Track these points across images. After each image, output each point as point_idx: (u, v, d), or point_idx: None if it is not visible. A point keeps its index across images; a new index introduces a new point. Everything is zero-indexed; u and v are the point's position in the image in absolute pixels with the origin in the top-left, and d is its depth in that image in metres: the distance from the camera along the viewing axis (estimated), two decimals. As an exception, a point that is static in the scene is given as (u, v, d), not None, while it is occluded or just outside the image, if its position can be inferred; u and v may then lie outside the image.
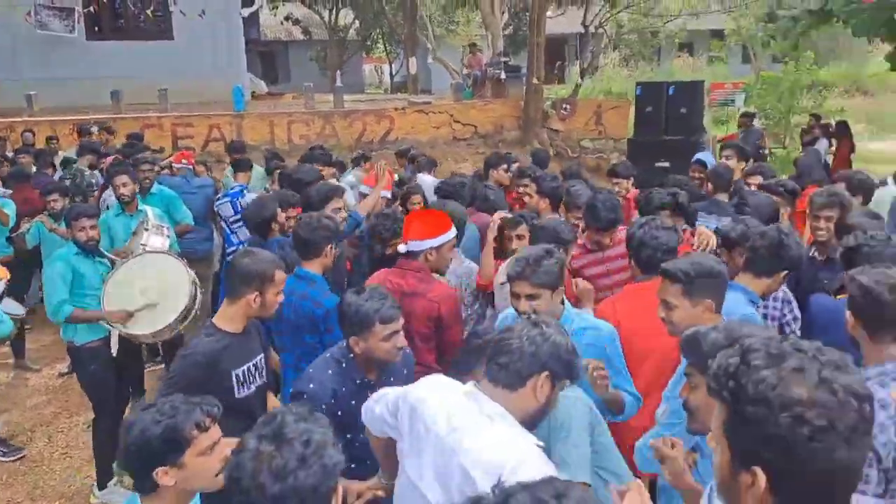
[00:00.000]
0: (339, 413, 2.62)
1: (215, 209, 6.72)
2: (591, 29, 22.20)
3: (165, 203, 6.15)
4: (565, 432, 2.29)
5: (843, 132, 12.52)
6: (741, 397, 1.17)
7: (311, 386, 2.68)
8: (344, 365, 2.74)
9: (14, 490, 4.83)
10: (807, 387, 1.13)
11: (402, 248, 3.57)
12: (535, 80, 14.78)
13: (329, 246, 3.64)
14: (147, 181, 6.21)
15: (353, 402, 2.61)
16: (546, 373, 2.04)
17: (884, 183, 6.42)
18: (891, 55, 10.86)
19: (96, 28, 16.77)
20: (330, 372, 2.72)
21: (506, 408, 2.01)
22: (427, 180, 7.16)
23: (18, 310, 5.15)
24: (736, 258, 3.66)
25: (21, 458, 5.19)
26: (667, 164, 9.38)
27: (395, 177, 7.41)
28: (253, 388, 3.01)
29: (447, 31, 27.72)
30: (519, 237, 4.25)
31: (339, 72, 18.92)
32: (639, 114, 11.67)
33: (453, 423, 2.00)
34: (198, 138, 13.23)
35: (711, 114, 17.95)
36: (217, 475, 1.87)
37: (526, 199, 5.43)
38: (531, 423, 2.06)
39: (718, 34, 27.09)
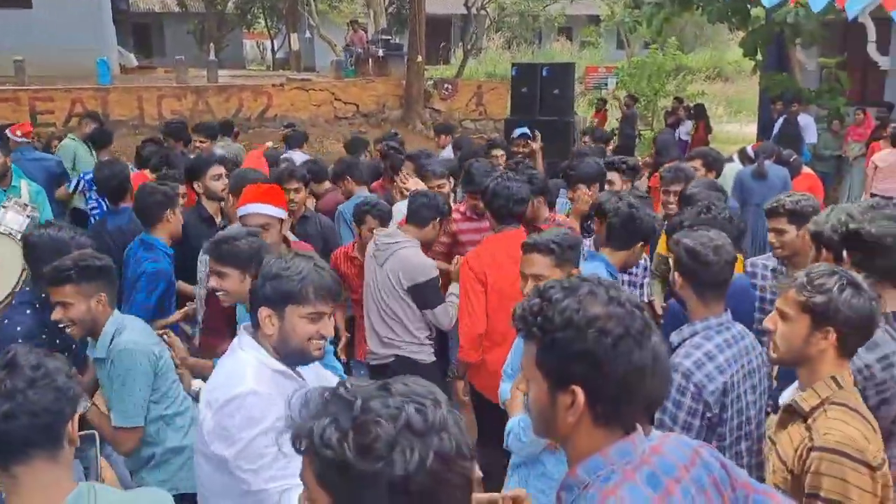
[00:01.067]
0: None
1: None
2: (474, 10, 22.52)
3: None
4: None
5: (700, 115, 13.38)
6: (549, 327, 1.32)
7: None
8: None
9: None
10: (601, 305, 1.32)
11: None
12: (417, 59, 14.86)
13: (168, 211, 3.65)
14: None
15: None
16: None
17: (730, 160, 6.96)
18: (743, 42, 11.71)
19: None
20: None
21: None
22: (296, 157, 7.08)
23: None
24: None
25: None
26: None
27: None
28: None
29: (330, 7, 27.24)
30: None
31: (212, 45, 18.24)
32: (515, 94, 11.95)
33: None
34: (59, 113, 12.46)
35: (587, 96, 18.70)
36: None
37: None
38: None
39: (595, 19, 28.09)
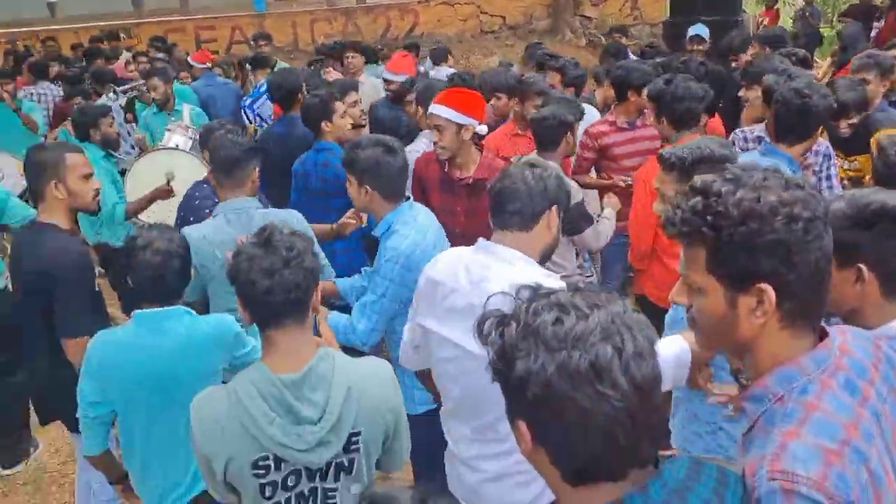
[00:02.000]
0: None
1: (254, 110, 6.58)
2: None
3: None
4: None
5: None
6: (725, 223, 1.17)
7: None
8: None
9: None
10: (781, 189, 1.18)
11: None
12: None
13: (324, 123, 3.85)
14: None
15: None
16: (555, 206, 2.12)
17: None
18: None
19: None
20: None
21: (522, 251, 2.06)
22: (443, 72, 6.95)
23: None
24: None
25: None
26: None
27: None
28: None
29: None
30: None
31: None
32: (674, -6, 11.07)
33: (473, 278, 2.05)
34: (221, 41, 13.05)
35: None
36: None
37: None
38: (545, 258, 2.17)
39: None
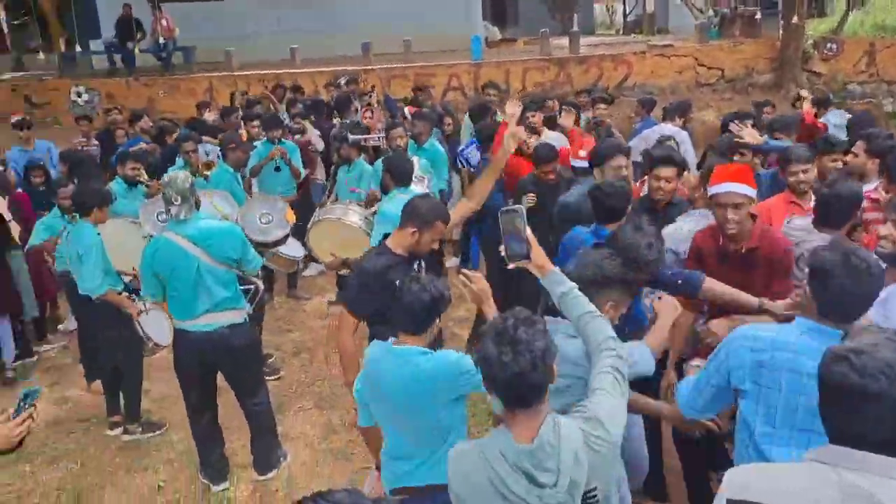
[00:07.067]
0: None
1: (464, 155, 6.85)
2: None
3: (430, 157, 6.46)
4: None
5: None
6: None
7: None
8: None
9: (305, 399, 5.50)
10: None
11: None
12: (794, 17, 13.29)
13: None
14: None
15: None
16: None
17: None
18: None
19: (349, -19, 17.79)
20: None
21: None
22: (667, 129, 6.75)
23: (298, 252, 5.73)
24: None
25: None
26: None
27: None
28: None
29: (689, -36, 25.74)
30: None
31: (574, 15, 18.44)
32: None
33: None
34: (437, 88, 13.67)
35: None
36: None
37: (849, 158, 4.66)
38: None
39: None
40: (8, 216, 5.89)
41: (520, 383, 1.88)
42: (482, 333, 1.98)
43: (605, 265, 2.65)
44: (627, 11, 31.48)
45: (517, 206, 2.51)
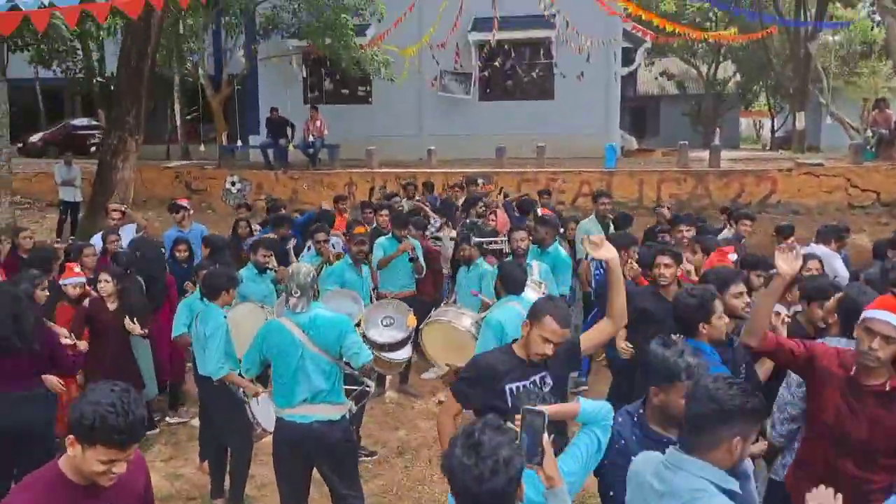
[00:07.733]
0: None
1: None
2: None
3: (553, 262, 6.40)
4: None
5: None
6: None
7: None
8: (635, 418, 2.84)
9: (402, 502, 5.30)
10: None
11: None
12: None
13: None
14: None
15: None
16: None
17: None
18: None
19: (487, 90, 18.61)
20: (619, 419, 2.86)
21: None
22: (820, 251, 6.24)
23: (403, 355, 5.63)
24: None
25: (375, 459, 5.77)
26: None
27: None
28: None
29: (846, 83, 24.81)
30: None
31: (717, 128, 18.08)
32: None
33: None
34: (568, 193, 13.66)
35: None
36: None
37: None
38: None
39: None
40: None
41: (478, 489, 1.89)
42: (451, 439, 2.03)
43: (721, 396, 2.31)
44: (776, 127, 30.62)
45: (542, 408, 2.35)
